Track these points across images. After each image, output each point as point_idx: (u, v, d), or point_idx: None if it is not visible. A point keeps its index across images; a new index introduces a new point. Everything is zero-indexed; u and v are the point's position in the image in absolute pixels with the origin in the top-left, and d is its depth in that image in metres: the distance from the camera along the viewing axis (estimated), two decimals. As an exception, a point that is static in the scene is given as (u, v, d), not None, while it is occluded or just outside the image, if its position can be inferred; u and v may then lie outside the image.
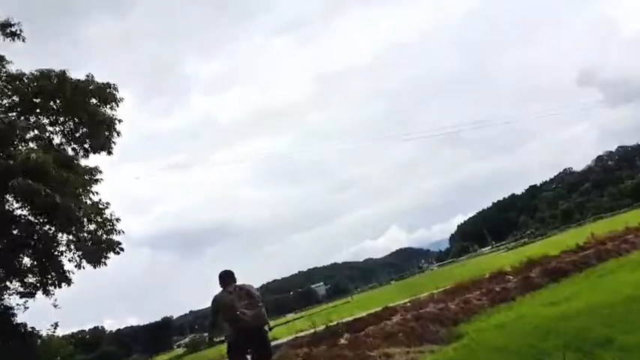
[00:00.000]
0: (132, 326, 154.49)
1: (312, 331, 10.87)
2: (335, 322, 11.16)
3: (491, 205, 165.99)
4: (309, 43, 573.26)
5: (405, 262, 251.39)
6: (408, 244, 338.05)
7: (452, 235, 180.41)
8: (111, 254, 14.20)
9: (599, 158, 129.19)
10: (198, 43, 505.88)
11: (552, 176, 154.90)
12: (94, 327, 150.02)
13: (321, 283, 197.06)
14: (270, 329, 5.88)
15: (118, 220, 14.67)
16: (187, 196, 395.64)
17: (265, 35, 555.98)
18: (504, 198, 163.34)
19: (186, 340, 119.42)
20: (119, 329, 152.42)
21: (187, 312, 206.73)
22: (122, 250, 14.28)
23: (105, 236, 14.18)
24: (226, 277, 5.76)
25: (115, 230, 14.33)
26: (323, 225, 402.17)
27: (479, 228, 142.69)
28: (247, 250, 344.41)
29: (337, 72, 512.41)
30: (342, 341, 8.58)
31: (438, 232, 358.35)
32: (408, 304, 12.51)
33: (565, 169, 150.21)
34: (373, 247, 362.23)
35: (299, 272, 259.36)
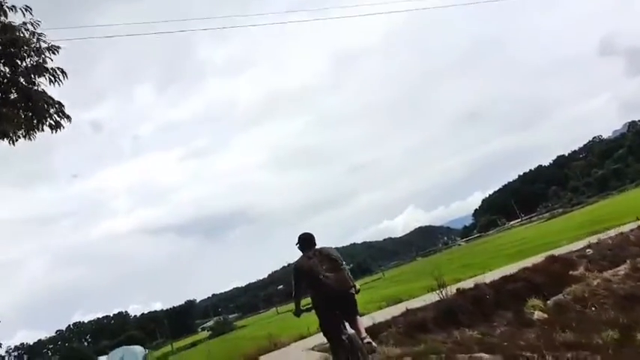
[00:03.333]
0: (156, 311, 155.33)
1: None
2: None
3: (516, 177, 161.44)
4: (323, 23, 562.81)
5: (425, 240, 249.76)
6: (427, 222, 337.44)
7: (476, 210, 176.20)
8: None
9: (632, 124, 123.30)
10: (211, 26, 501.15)
11: (581, 145, 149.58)
12: (119, 312, 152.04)
13: (343, 263, 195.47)
14: (358, 292, 5.37)
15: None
16: (207, 182, 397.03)
17: (279, 16, 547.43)
18: (530, 170, 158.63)
19: (210, 323, 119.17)
20: (143, 314, 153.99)
21: (210, 295, 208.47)
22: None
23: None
24: (306, 241, 5.51)
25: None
26: (341, 206, 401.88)
27: (505, 201, 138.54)
28: (267, 234, 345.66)
29: (352, 52, 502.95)
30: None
31: (458, 209, 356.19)
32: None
33: (594, 137, 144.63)
34: (392, 226, 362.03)
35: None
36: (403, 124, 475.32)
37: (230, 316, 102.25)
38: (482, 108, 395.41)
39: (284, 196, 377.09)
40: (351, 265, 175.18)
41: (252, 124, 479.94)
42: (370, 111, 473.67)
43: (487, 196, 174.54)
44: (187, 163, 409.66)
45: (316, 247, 5.43)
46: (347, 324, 5.21)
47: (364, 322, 6.25)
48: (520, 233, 49.98)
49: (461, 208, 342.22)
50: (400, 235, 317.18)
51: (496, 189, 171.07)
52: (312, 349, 9.12)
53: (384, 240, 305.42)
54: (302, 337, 12.08)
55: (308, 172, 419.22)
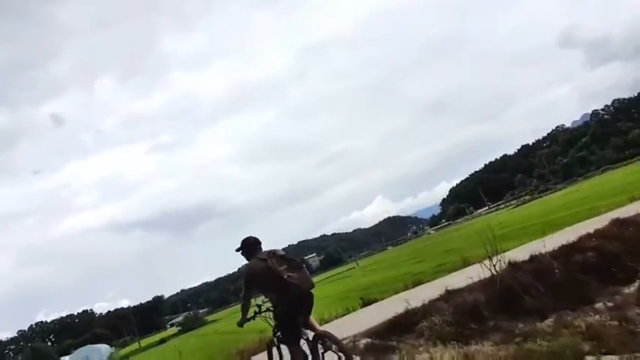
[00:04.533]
0: (123, 308, 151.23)
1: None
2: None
3: (482, 167, 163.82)
4: (289, 13, 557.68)
5: (394, 230, 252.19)
6: (395, 212, 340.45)
7: (443, 199, 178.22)
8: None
9: (595, 113, 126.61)
10: (174, 18, 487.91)
11: (544, 135, 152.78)
12: (84, 311, 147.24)
13: (314, 254, 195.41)
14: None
15: None
16: (173, 177, 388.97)
17: (243, 6, 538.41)
18: (496, 159, 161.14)
19: (180, 318, 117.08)
20: (110, 311, 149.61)
21: (179, 290, 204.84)
22: None
23: None
24: (250, 245, 5.19)
25: None
26: (309, 199, 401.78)
27: (472, 190, 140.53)
28: (235, 227, 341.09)
29: (319, 43, 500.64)
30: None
31: (425, 199, 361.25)
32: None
33: (558, 127, 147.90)
34: (361, 217, 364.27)
35: (289, 245, 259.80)
36: (371, 115, 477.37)
37: (200, 311, 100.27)
38: (448, 99, 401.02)
39: (253, 190, 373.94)
40: (322, 257, 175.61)
41: (219, 117, 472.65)
42: (338, 102, 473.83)
43: (454, 185, 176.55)
44: (153, 157, 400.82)
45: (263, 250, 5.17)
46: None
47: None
48: (494, 219, 50.17)
49: (428, 198, 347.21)
50: (369, 226, 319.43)
51: (462, 179, 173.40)
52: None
53: (354, 231, 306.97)
54: None
55: (277, 165, 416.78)
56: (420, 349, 5.50)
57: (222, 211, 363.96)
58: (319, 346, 4.79)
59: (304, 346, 4.88)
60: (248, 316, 5.18)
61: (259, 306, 5.23)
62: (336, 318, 10.23)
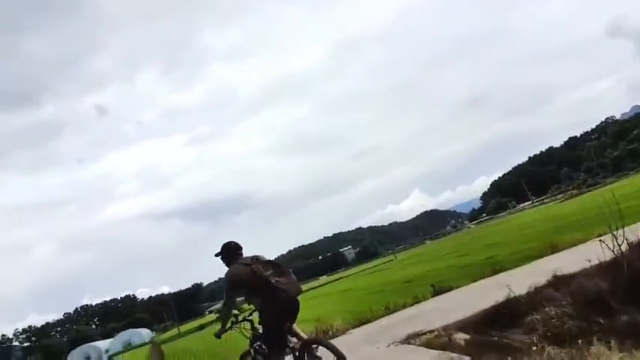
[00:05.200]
0: (163, 294, 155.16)
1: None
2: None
3: (526, 159, 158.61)
4: (324, 9, 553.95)
5: (431, 224, 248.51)
6: (433, 206, 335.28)
7: (484, 193, 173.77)
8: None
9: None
10: (213, 13, 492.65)
11: (593, 127, 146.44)
12: (126, 296, 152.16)
13: (349, 247, 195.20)
14: None
15: None
16: (210, 168, 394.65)
17: (278, 2, 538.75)
18: (541, 152, 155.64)
19: (218, 305, 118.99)
20: (151, 297, 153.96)
21: (217, 279, 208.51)
22: None
23: None
24: (231, 249, 4.96)
25: None
26: (345, 192, 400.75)
27: (514, 184, 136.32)
28: (271, 218, 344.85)
29: (353, 39, 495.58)
30: None
31: (464, 194, 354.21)
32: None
33: (607, 118, 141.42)
34: (397, 211, 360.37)
35: (324, 237, 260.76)
36: (407, 109, 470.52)
37: (238, 299, 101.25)
38: (487, 93, 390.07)
39: (288, 182, 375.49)
40: (358, 249, 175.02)
41: (255, 110, 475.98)
42: (373, 96, 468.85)
43: (496, 179, 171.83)
44: (192, 148, 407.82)
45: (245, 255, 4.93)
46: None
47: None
48: (540, 213, 48.04)
49: (467, 192, 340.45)
50: (406, 220, 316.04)
51: (504, 172, 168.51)
52: (393, 343, 6.00)
53: (390, 224, 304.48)
54: (361, 323, 8.82)
55: (312, 158, 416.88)
56: (535, 348, 4.24)
57: (258, 202, 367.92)
58: (306, 356, 4.55)
59: (289, 356, 4.61)
60: (227, 327, 4.90)
61: (236, 316, 4.97)
62: (404, 307, 9.21)
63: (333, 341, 7.54)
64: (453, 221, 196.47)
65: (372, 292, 20.62)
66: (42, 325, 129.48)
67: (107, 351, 75.63)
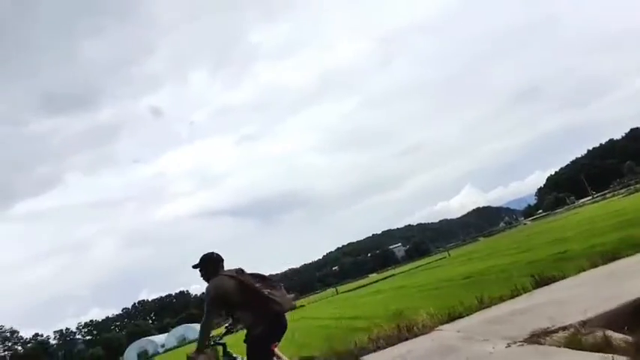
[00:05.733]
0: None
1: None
2: None
3: (585, 153, 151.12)
4: (371, 1, 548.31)
5: (483, 221, 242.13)
6: (484, 203, 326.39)
7: (539, 188, 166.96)
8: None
9: None
10: (261, 9, 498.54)
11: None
12: (180, 291, 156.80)
13: (399, 244, 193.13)
14: None
15: None
16: (259, 166, 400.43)
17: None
18: (600, 144, 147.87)
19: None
20: (203, 293, 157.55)
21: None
22: None
23: None
24: (212, 261, 4.54)
25: None
26: (393, 188, 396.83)
27: (573, 178, 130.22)
28: (320, 216, 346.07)
29: (401, 31, 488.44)
30: None
31: (517, 190, 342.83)
32: None
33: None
34: (447, 208, 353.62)
35: (373, 235, 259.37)
36: (457, 102, 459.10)
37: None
38: (541, 84, 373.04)
39: (336, 179, 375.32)
40: (407, 247, 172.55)
41: (303, 107, 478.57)
42: (422, 90, 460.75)
43: (552, 173, 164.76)
44: (241, 146, 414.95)
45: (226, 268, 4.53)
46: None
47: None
48: (603, 208, 45.35)
49: (520, 188, 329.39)
50: (456, 217, 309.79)
51: (562, 166, 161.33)
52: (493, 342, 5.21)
53: (440, 221, 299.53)
54: (451, 318, 7.71)
55: (360, 154, 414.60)
56: None
57: (306, 200, 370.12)
58: None
59: None
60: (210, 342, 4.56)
61: (211, 337, 4.61)
62: (502, 301, 8.00)
63: (423, 338, 6.83)
64: (507, 218, 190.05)
65: (432, 288, 19.80)
66: (102, 320, 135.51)
67: (163, 345, 78.08)
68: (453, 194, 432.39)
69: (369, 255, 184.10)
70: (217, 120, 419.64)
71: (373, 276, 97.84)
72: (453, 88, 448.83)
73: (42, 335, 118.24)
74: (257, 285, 4.22)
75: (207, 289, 4.33)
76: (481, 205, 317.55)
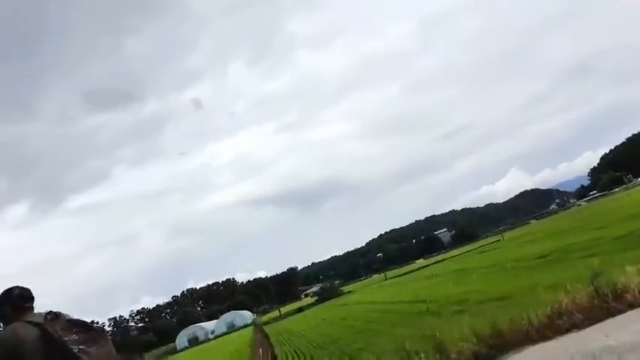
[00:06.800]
0: (261, 278, 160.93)
1: None
2: None
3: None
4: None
5: (531, 204, 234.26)
6: (532, 185, 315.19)
7: (592, 168, 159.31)
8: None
9: None
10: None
11: None
12: (227, 279, 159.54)
13: (444, 230, 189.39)
14: None
15: None
16: (300, 154, 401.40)
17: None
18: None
19: (315, 288, 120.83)
20: (249, 281, 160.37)
21: (310, 263, 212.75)
22: None
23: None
24: (16, 299, 3.19)
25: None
26: (436, 173, 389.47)
27: (629, 157, 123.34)
28: (362, 202, 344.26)
29: (444, 11, 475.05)
30: None
31: (565, 171, 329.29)
32: None
33: None
34: (492, 191, 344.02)
35: (416, 221, 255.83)
36: (501, 82, 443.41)
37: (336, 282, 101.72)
38: (592, 60, 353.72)
39: (378, 165, 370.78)
40: (453, 232, 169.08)
41: (342, 94, 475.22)
42: (465, 71, 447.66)
43: (607, 152, 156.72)
44: (282, 135, 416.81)
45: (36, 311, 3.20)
46: None
47: None
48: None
49: (569, 170, 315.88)
50: (502, 200, 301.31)
51: (615, 145, 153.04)
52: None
53: (485, 206, 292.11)
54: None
55: (401, 140, 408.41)
56: None
57: (347, 187, 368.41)
58: None
59: None
60: None
61: None
62: None
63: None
64: (558, 200, 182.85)
65: (500, 269, 18.31)
66: (153, 307, 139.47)
67: (213, 332, 79.26)
68: (498, 178, 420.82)
69: (413, 241, 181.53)
70: (257, 110, 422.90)
71: (420, 261, 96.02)
72: (498, 67, 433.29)
73: (97, 322, 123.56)
74: (69, 337, 3.05)
75: None
76: (528, 188, 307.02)
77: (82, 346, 3.02)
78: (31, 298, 3.29)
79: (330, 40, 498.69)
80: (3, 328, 3.20)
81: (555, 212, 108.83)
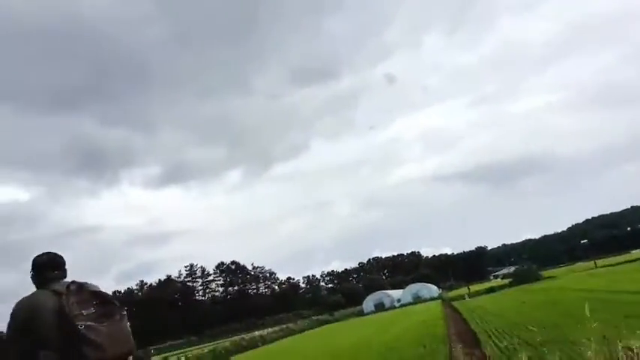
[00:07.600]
0: (446, 254, 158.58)
1: None
2: None
3: None
4: None
5: None
6: None
7: None
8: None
9: None
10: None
11: None
12: (412, 252, 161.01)
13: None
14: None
15: None
16: (495, 129, 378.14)
17: None
18: None
19: (506, 270, 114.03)
20: (434, 255, 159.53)
21: (500, 244, 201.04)
22: None
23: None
24: (45, 266, 3.11)
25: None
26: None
27: None
28: (565, 182, 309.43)
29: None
30: None
31: None
32: None
33: None
34: None
35: (631, 207, 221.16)
36: None
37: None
38: None
39: (587, 141, 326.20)
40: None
41: (548, 63, 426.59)
42: None
43: None
44: (476, 109, 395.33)
45: (67, 279, 3.06)
46: None
47: None
48: None
49: None
50: None
51: None
52: None
53: None
54: None
55: (616, 113, 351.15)
56: None
57: (549, 164, 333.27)
58: None
59: None
60: None
61: None
62: None
63: None
64: None
65: None
66: (342, 271, 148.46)
67: (399, 300, 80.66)
68: None
69: (628, 229, 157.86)
70: (452, 82, 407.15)
71: (637, 252, 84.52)
72: None
73: (293, 279, 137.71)
74: (83, 311, 2.81)
75: (13, 310, 2.93)
76: None
77: (90, 323, 2.81)
78: (59, 266, 3.19)
79: (535, 4, 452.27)
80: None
81: None
